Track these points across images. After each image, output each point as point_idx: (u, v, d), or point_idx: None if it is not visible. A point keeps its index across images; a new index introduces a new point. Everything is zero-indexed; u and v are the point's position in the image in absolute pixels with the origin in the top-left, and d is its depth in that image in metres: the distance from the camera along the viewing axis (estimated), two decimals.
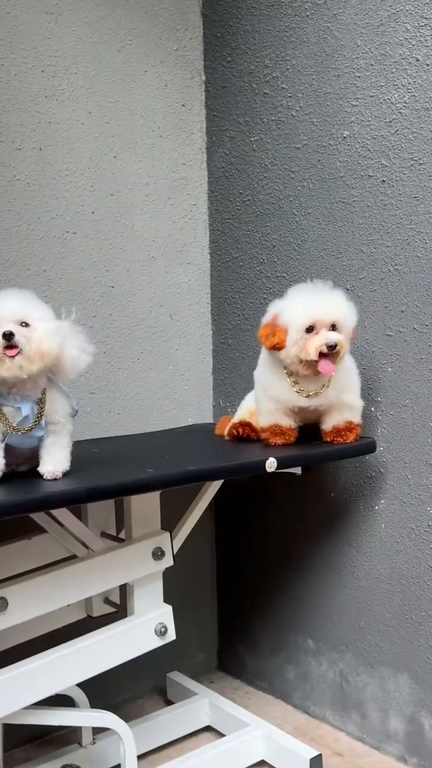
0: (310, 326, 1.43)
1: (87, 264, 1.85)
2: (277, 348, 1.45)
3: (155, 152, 1.97)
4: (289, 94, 1.80)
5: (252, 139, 1.92)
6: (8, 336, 1.16)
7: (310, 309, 1.44)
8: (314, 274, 1.77)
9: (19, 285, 1.72)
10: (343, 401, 1.52)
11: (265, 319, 1.51)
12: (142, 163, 1.94)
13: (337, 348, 1.42)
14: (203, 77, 2.05)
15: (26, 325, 1.19)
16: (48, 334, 1.20)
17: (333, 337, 1.42)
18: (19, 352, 1.16)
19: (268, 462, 1.40)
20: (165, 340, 2.01)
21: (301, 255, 1.81)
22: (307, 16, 1.74)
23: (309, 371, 1.45)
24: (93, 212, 1.86)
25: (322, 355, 1.42)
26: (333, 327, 1.44)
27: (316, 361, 1.43)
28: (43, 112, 1.77)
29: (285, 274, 1.85)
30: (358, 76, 1.64)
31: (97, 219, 1.86)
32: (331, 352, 1.42)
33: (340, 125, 1.68)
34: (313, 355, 1.42)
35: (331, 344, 1.42)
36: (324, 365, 1.43)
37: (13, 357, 1.16)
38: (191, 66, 2.03)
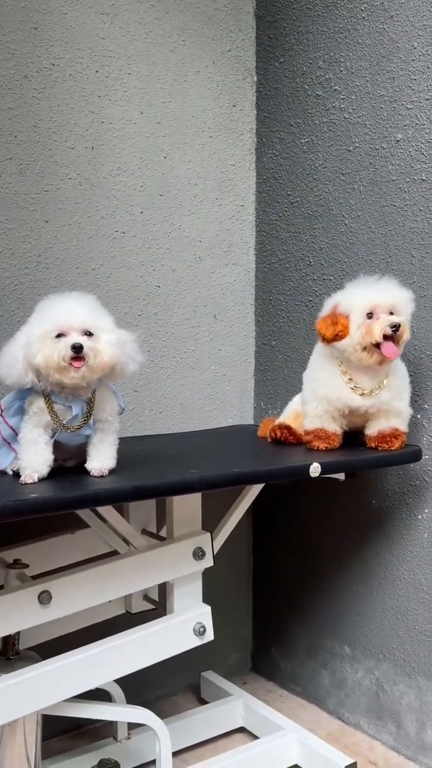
0: (369, 312, 1.45)
1: (135, 263, 1.87)
2: (339, 336, 1.46)
3: (205, 153, 1.97)
4: (342, 96, 1.79)
5: (302, 140, 1.91)
6: (78, 348, 1.17)
7: (369, 295, 1.47)
8: (362, 277, 1.75)
9: (69, 283, 1.75)
10: (393, 407, 1.51)
11: (324, 312, 1.53)
12: (191, 163, 1.95)
13: (400, 330, 1.44)
14: (255, 78, 2.05)
15: (90, 334, 1.21)
16: (110, 345, 1.22)
17: (395, 318, 1.44)
18: (84, 364, 1.18)
19: (312, 467, 1.40)
20: (208, 341, 2.02)
21: (349, 258, 1.79)
22: (363, 17, 1.72)
23: (372, 358, 1.46)
24: (142, 212, 1.87)
25: (385, 338, 1.44)
26: (391, 312, 1.46)
27: (379, 345, 1.44)
28: (96, 112, 1.79)
29: (332, 277, 1.84)
30: (414, 79, 1.62)
31: (146, 219, 1.88)
32: (394, 334, 1.44)
33: (394, 128, 1.66)
34: (378, 337, 1.43)
35: (394, 324, 1.43)
36: (388, 347, 1.44)
37: (78, 368, 1.18)
38: (243, 67, 2.03)
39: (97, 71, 1.79)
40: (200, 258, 1.98)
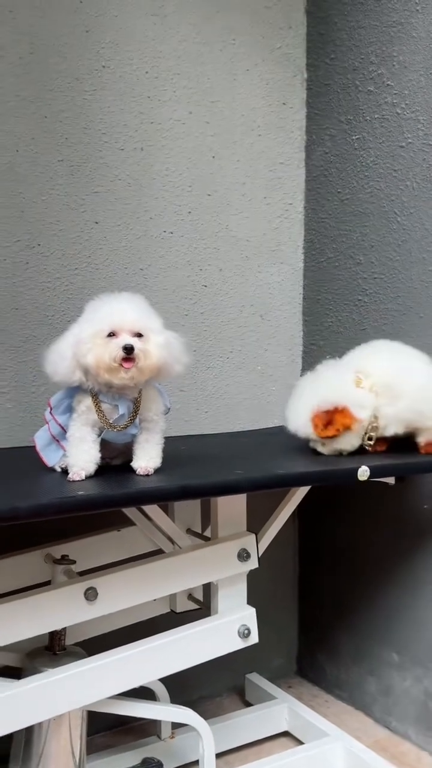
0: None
1: (182, 263, 1.87)
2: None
3: (253, 151, 1.96)
4: (395, 92, 1.75)
5: (353, 137, 1.87)
6: (129, 349, 1.18)
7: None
8: (414, 276, 1.71)
9: (117, 283, 1.76)
10: None
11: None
12: (240, 162, 1.94)
13: None
14: (305, 75, 2.02)
15: (140, 336, 1.21)
16: (159, 347, 1.23)
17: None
18: (134, 365, 1.19)
19: (360, 470, 1.36)
20: (255, 340, 2.00)
21: (401, 256, 1.75)
22: (417, 10, 1.68)
23: None
24: (190, 212, 1.87)
25: None
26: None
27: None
28: (146, 113, 1.80)
29: (383, 276, 1.80)
30: None
31: (194, 219, 1.88)
32: None
33: None
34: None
35: None
36: None
37: (128, 368, 1.19)
38: (293, 64, 2.01)
39: (146, 72, 1.80)
40: (247, 257, 1.97)
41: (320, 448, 1.46)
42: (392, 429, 1.43)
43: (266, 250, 2.00)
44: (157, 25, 1.80)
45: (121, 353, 1.19)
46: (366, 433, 1.44)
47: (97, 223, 1.75)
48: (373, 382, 1.41)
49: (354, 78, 1.86)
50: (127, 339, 1.19)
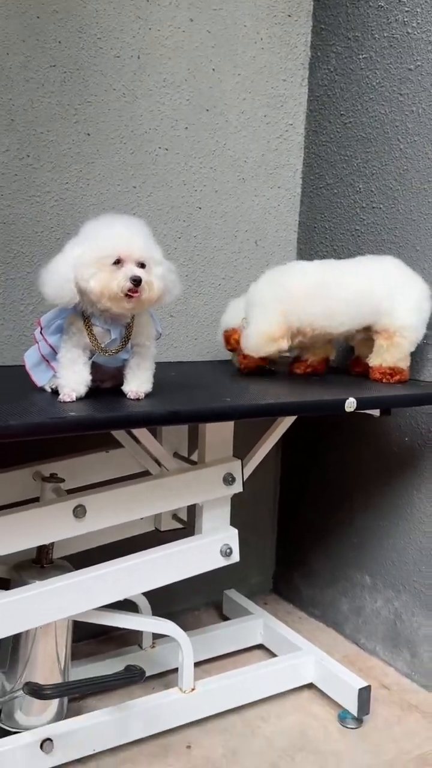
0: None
1: (176, 183, 1.81)
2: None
3: (255, 65, 1.87)
4: (407, 9, 1.65)
5: (360, 56, 1.79)
6: (138, 282, 1.16)
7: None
8: (414, 207, 1.67)
9: (109, 200, 1.71)
10: None
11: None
12: (240, 76, 1.85)
13: None
14: None
15: (143, 266, 1.19)
16: (159, 279, 1.21)
17: None
18: (138, 296, 1.18)
19: (347, 402, 1.38)
20: (247, 268, 1.97)
21: (402, 186, 1.71)
22: None
23: None
24: (187, 128, 1.80)
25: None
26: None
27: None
28: (144, 18, 1.70)
29: (381, 206, 1.76)
30: None
31: (190, 135, 1.81)
32: None
33: None
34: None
35: None
36: None
37: (132, 298, 1.17)
38: None
39: None
40: (244, 179, 1.91)
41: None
42: None
43: (263, 172, 1.94)
44: None
45: (129, 284, 1.16)
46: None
47: (89, 135, 1.68)
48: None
49: None
50: (134, 270, 1.17)
